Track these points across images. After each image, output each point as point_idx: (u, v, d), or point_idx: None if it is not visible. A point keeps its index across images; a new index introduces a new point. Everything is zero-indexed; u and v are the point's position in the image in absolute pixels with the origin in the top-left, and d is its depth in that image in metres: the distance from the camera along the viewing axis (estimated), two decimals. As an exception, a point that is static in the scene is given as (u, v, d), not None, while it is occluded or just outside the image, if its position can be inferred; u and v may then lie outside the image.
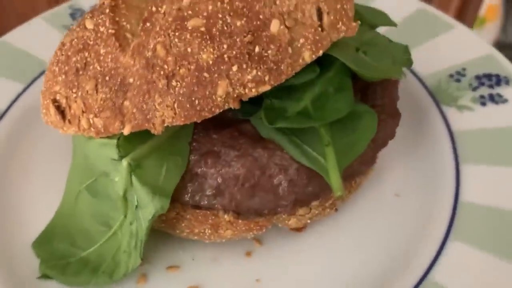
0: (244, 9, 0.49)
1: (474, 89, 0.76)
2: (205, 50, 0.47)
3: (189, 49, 0.48)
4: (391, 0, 0.92)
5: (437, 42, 0.84)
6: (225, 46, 0.47)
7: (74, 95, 0.53)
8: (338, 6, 0.52)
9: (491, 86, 0.75)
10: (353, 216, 0.66)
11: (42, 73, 0.84)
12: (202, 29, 0.48)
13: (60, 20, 0.93)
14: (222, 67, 0.47)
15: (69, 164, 0.62)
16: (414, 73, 0.80)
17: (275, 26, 0.48)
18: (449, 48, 0.82)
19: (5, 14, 1.29)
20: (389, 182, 0.70)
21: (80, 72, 0.53)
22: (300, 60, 0.50)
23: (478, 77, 0.77)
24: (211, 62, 0.47)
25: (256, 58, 0.48)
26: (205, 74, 0.48)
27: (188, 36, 0.48)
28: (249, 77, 0.48)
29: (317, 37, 0.50)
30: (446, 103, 0.75)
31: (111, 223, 0.60)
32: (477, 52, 0.81)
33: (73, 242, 0.61)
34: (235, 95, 0.48)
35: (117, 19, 0.53)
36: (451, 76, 0.78)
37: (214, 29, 0.48)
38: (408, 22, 0.88)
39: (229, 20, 0.48)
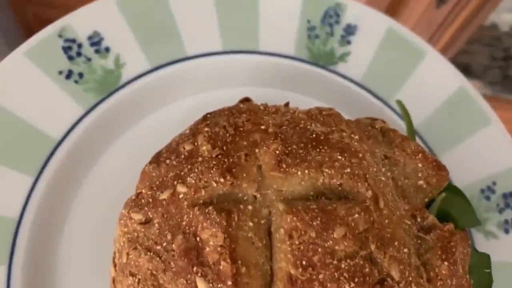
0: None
1: (500, 211, 0.80)
2: None
3: None
4: (433, 75, 0.86)
5: (473, 142, 0.83)
6: None
7: None
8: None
9: (514, 209, 0.81)
10: None
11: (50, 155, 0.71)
12: None
13: (53, 63, 0.74)
14: None
15: None
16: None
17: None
18: (484, 152, 0.83)
19: None
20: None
21: None
22: None
23: (505, 196, 0.81)
24: None
25: None
26: None
27: None
28: None
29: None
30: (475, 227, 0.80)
31: None
32: (508, 161, 0.83)
33: None
34: None
35: (243, 300, 0.47)
36: (482, 191, 0.81)
37: None
38: (447, 108, 0.85)
39: None
